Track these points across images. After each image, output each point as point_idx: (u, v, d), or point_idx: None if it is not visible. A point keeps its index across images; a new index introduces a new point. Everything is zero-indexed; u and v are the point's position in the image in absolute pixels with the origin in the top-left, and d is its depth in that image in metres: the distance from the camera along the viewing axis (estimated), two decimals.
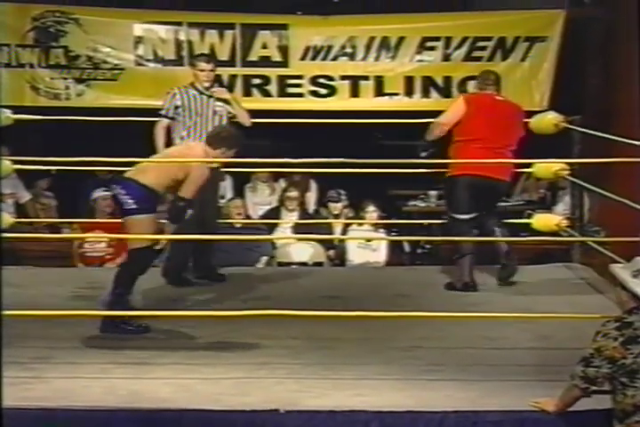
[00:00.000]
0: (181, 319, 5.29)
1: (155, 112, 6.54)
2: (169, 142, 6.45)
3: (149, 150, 6.42)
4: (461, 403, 4.26)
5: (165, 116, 6.48)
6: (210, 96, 6.54)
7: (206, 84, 6.58)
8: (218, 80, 7.87)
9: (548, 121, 6.95)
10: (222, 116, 6.54)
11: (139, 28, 7.96)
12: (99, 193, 8.07)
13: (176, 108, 6.46)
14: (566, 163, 6.96)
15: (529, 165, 7.16)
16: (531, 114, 7.23)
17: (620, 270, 3.94)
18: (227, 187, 8.92)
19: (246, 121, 6.50)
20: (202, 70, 6.55)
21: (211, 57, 7.05)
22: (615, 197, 6.36)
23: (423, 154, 6.50)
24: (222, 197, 8.79)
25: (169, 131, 6.50)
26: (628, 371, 3.79)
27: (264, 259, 7.71)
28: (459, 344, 5.16)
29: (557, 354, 4.82)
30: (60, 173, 7.03)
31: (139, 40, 7.94)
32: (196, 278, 6.60)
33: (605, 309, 5.23)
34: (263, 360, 4.84)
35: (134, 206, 5.25)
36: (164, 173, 5.35)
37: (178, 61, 7.87)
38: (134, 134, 6.71)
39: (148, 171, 5.35)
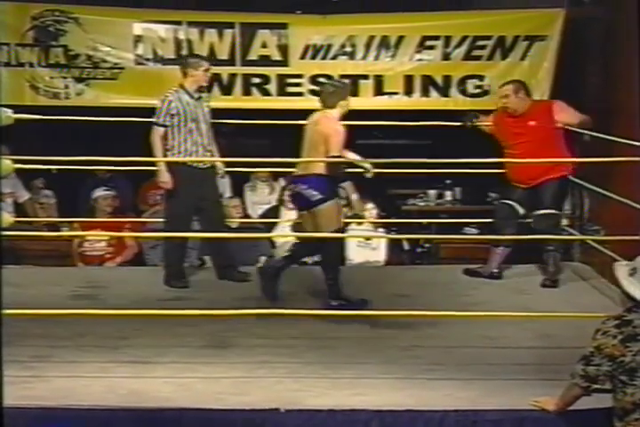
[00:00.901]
0: (181, 318, 5.29)
1: (154, 111, 6.54)
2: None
3: (148, 150, 6.44)
4: (461, 402, 4.26)
5: (163, 125, 6.49)
6: (199, 98, 6.57)
7: (204, 85, 6.60)
8: (217, 79, 7.91)
9: None
10: (208, 119, 6.59)
11: (138, 28, 7.94)
12: (99, 192, 8.07)
13: (172, 116, 6.47)
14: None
15: None
16: None
17: (619, 268, 3.94)
18: (226, 186, 8.94)
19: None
20: (206, 70, 6.57)
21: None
22: (615, 197, 6.37)
23: (468, 123, 6.80)
24: (221, 196, 8.81)
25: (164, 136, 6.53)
26: (627, 369, 3.80)
27: (264, 258, 7.70)
28: (459, 343, 5.17)
29: (557, 353, 4.82)
30: (60, 172, 7.02)
31: (138, 39, 7.93)
32: (219, 279, 6.65)
33: (605, 308, 5.24)
34: (263, 359, 4.85)
35: (320, 196, 5.74)
36: (318, 153, 5.78)
37: (177, 60, 7.85)
38: (134, 133, 6.68)
39: (311, 164, 5.80)
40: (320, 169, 5.79)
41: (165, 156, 6.49)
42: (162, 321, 5.34)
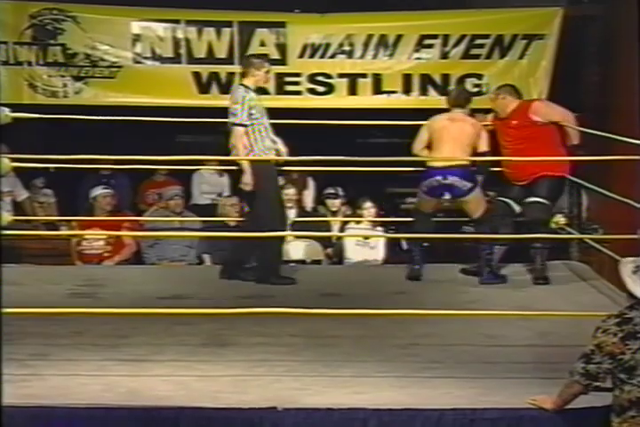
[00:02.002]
0: (179, 317, 5.29)
1: (153, 110, 6.55)
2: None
3: (152, 147, 6.43)
4: (459, 400, 4.25)
5: (243, 125, 6.41)
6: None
7: (265, 85, 6.77)
8: (216, 78, 7.91)
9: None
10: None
11: (136, 26, 7.95)
12: (98, 191, 8.04)
13: (250, 115, 6.42)
14: (564, 161, 6.98)
15: None
16: None
17: (624, 266, 3.94)
18: (224, 184, 8.94)
19: None
20: (267, 71, 6.59)
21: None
22: (613, 196, 6.37)
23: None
24: (220, 195, 8.82)
25: None
26: (626, 367, 3.80)
27: None
28: (457, 342, 5.16)
29: (555, 351, 4.81)
30: (59, 170, 7.02)
31: (136, 38, 7.94)
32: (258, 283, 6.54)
33: (603, 306, 5.25)
34: (261, 358, 4.84)
35: (470, 185, 6.42)
36: (464, 146, 6.44)
37: (176, 59, 7.86)
38: (133, 132, 6.71)
39: (457, 154, 6.41)
40: (464, 162, 6.42)
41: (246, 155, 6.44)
42: (160, 320, 5.34)
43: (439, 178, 6.45)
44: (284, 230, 6.42)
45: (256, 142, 6.47)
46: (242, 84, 6.53)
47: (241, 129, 6.40)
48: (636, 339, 3.80)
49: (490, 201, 6.81)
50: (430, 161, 6.49)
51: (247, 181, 6.44)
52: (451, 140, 6.49)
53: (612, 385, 3.89)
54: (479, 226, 6.62)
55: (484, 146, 6.52)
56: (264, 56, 7.11)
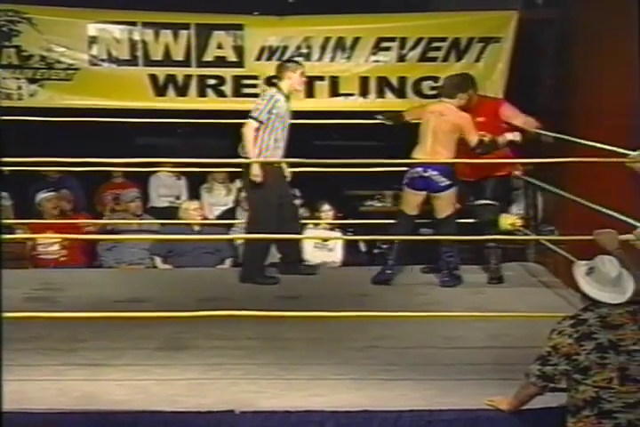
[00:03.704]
0: (137, 320, 5.26)
1: (110, 112, 6.51)
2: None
3: (109, 149, 6.40)
4: (416, 402, 4.28)
5: (259, 121, 6.59)
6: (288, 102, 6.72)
7: (300, 89, 6.84)
8: (173, 81, 7.88)
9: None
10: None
11: (93, 28, 7.88)
12: (42, 194, 7.99)
13: (269, 113, 6.59)
14: (522, 163, 7.04)
15: None
16: None
17: (578, 268, 3.98)
18: (182, 188, 8.92)
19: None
20: (302, 73, 6.76)
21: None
22: (569, 196, 6.43)
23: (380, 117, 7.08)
24: (178, 198, 8.80)
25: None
26: (581, 368, 3.84)
27: (229, 260, 7.69)
28: (414, 344, 5.19)
29: (512, 353, 4.85)
30: (13, 173, 6.96)
31: (93, 40, 7.87)
32: (284, 273, 6.81)
33: (558, 307, 5.30)
34: (218, 361, 4.84)
35: (447, 183, 6.47)
36: (449, 141, 6.46)
37: (132, 61, 7.81)
38: (90, 134, 6.67)
39: (438, 152, 6.48)
40: (447, 157, 6.44)
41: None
42: (118, 323, 5.31)
43: (420, 170, 6.51)
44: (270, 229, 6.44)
45: (268, 142, 6.63)
46: (277, 87, 6.76)
47: (254, 123, 6.58)
48: (590, 340, 3.84)
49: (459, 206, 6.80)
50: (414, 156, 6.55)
51: (256, 172, 6.55)
52: (431, 135, 6.53)
53: (567, 386, 3.93)
54: (442, 227, 6.62)
55: (472, 141, 6.47)
56: (296, 60, 7.26)
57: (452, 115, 6.53)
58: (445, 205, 6.58)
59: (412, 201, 6.63)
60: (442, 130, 6.51)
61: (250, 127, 6.60)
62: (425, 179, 6.51)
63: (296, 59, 7.47)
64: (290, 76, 6.73)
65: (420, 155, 6.56)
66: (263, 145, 6.64)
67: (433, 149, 6.52)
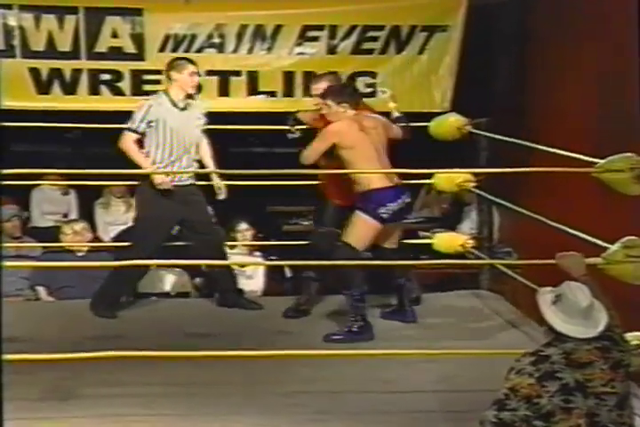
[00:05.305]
0: (14, 364, 5.15)
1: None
2: None
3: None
4: None
5: (134, 131, 6.64)
6: (184, 108, 6.72)
7: (192, 91, 6.79)
8: (58, 76, 7.79)
9: (450, 125, 7.07)
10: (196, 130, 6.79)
11: None
12: None
13: (148, 123, 6.63)
14: (472, 173, 7.07)
15: (429, 176, 7.27)
16: (430, 116, 7.32)
17: (543, 296, 3.97)
18: (71, 204, 8.81)
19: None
20: (192, 73, 6.71)
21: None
22: (529, 213, 6.45)
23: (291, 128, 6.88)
24: (65, 216, 8.69)
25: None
26: (542, 413, 3.82)
27: None
28: (349, 388, 5.20)
29: (464, 397, 4.88)
30: None
31: None
32: (222, 306, 6.92)
33: (518, 343, 5.31)
34: (113, 412, 4.78)
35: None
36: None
37: (8, 52, 7.70)
38: None
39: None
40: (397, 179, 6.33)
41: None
42: None
43: (405, 198, 6.34)
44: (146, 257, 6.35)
45: (153, 155, 6.67)
46: (163, 91, 6.79)
47: (130, 135, 6.64)
48: (554, 380, 3.83)
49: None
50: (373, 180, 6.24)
51: (160, 180, 6.59)
52: (375, 151, 6.32)
53: None
54: (399, 254, 6.44)
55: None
56: (187, 58, 7.15)
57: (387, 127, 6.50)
58: (400, 231, 6.56)
59: (371, 236, 6.29)
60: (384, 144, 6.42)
61: (126, 141, 6.63)
62: (407, 208, 6.46)
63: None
64: (175, 77, 6.71)
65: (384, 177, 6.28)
66: (156, 160, 6.67)
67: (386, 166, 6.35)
